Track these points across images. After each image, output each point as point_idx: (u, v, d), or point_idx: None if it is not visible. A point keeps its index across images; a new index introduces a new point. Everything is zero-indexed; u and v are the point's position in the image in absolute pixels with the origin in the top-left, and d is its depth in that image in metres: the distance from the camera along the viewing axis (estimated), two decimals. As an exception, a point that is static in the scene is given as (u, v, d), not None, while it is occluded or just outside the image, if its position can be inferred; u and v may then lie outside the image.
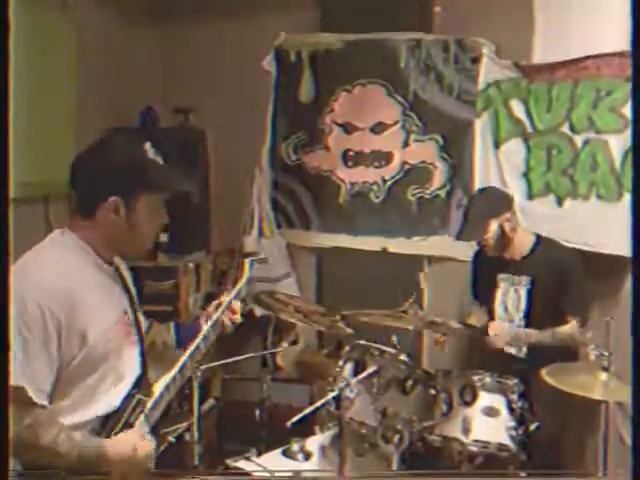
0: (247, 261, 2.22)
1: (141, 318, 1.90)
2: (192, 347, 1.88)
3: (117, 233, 1.70)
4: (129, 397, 1.72)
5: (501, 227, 2.91)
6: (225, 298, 2.04)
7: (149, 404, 1.72)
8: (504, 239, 2.93)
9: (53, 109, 3.35)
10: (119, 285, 1.81)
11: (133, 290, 1.90)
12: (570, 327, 2.85)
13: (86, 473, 1.58)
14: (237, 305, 2.05)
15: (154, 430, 1.75)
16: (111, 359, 1.68)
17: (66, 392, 1.62)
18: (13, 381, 1.25)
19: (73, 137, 3.48)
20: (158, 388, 1.76)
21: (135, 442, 1.65)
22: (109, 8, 3.74)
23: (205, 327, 1.94)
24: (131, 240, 1.75)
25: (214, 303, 2.05)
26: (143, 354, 1.82)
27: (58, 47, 3.39)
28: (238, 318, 2.04)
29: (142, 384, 1.77)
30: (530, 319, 2.96)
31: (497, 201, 3.01)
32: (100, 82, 3.69)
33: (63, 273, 1.62)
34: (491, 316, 3.08)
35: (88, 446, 1.59)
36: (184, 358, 1.85)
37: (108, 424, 1.67)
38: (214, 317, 1.98)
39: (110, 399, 1.69)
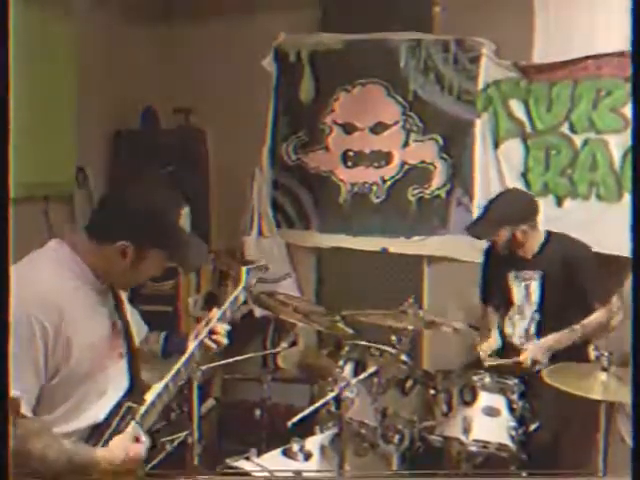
0: (244, 269, 2.09)
1: (133, 330, 1.88)
2: (185, 356, 1.84)
3: (116, 270, 1.71)
4: (118, 407, 1.71)
5: (513, 233, 2.89)
6: (218, 312, 1.94)
7: (141, 412, 1.70)
8: (515, 242, 2.92)
9: (53, 109, 3.35)
10: (110, 302, 1.80)
11: (127, 305, 1.90)
12: (598, 316, 2.84)
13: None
14: (221, 327, 1.92)
15: (151, 436, 1.74)
16: (95, 374, 1.68)
17: (49, 409, 1.61)
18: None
19: (73, 137, 3.48)
20: (150, 396, 1.73)
21: (127, 447, 1.63)
22: (109, 8, 3.74)
23: (191, 345, 1.88)
24: (127, 279, 1.78)
25: (204, 320, 1.95)
26: (132, 365, 1.81)
27: (59, 47, 3.38)
28: (222, 340, 1.92)
29: (133, 393, 1.76)
30: (545, 313, 2.95)
31: (518, 209, 2.95)
32: (100, 83, 3.69)
33: (55, 285, 1.62)
34: (499, 310, 3.09)
35: (79, 454, 1.58)
36: (178, 366, 1.82)
37: (95, 433, 1.67)
38: (200, 336, 1.90)
39: (95, 412, 1.68)
